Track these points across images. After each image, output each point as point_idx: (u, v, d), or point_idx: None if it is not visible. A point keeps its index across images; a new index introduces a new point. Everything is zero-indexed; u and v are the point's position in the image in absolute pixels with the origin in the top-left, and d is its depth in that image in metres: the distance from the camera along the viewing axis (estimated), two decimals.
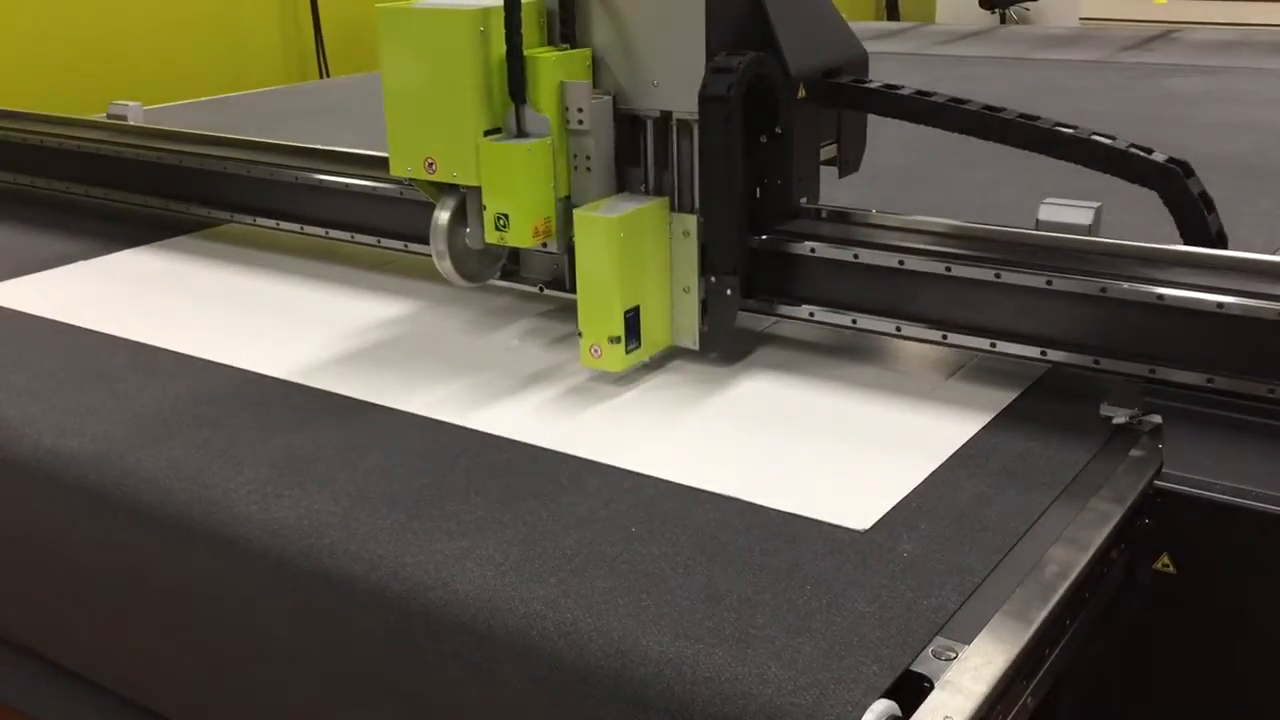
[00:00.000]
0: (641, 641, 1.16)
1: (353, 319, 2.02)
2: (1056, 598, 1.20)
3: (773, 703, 1.08)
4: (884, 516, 1.36)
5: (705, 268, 1.73)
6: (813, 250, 1.75)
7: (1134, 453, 1.48)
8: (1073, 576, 1.24)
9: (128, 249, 2.43)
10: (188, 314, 2.08)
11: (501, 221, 1.71)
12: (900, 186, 2.56)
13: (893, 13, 8.44)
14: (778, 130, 1.72)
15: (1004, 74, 4.18)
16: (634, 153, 1.78)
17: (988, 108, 1.70)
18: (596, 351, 1.71)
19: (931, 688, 1.08)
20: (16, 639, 1.82)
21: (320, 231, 2.27)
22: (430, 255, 1.82)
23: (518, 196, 1.70)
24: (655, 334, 1.75)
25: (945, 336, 1.69)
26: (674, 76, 1.69)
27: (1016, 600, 1.19)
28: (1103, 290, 1.57)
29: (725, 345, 1.79)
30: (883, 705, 1.05)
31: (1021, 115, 1.67)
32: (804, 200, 1.80)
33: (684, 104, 1.69)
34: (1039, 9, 8.04)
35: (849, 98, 1.78)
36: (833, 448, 1.56)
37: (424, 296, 2.10)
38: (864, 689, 1.08)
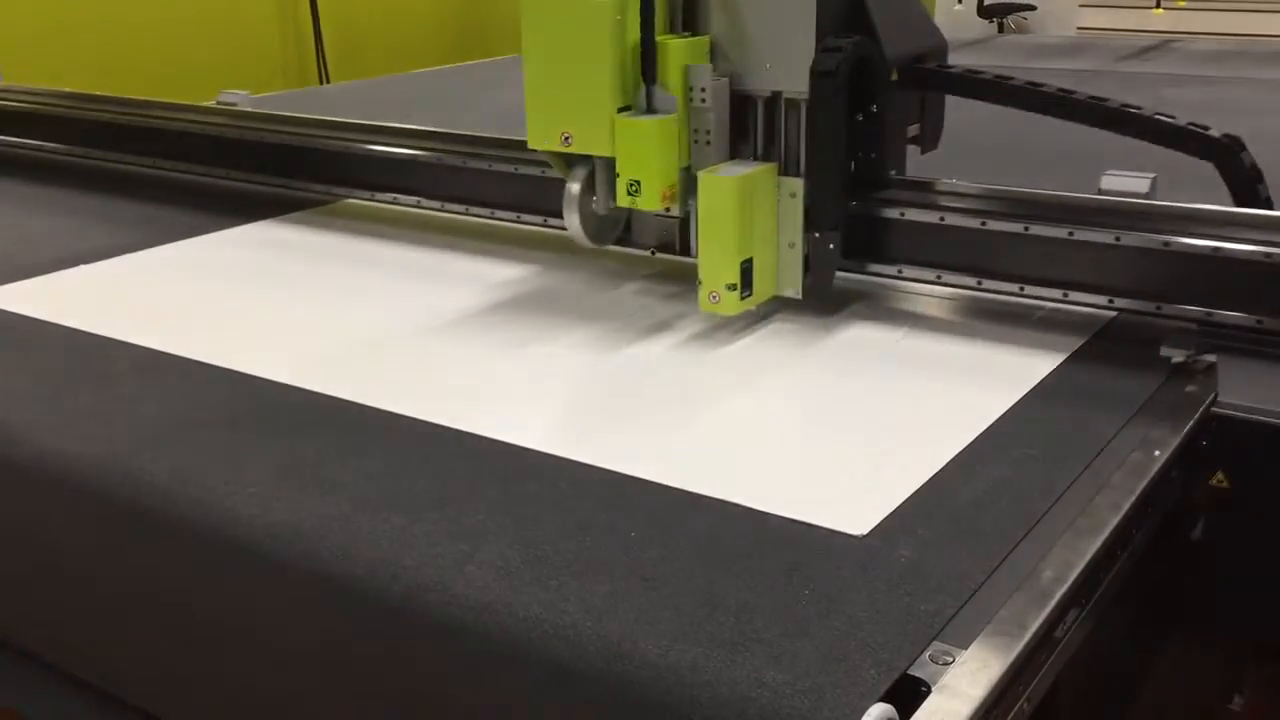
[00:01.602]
0: (640, 645, 1.17)
1: (360, 323, 2.08)
2: (1054, 603, 1.22)
3: (770, 706, 1.09)
4: (882, 521, 1.38)
5: (809, 225, 1.96)
6: (902, 214, 1.99)
7: (1190, 388, 1.67)
8: (1070, 581, 1.26)
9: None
10: (191, 316, 2.14)
11: (633, 188, 1.94)
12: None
13: None
14: (873, 109, 1.96)
15: None
16: (743, 129, 2.01)
17: (1062, 90, 1.94)
18: (715, 297, 1.93)
19: (929, 692, 1.09)
20: (17, 641, 1.85)
21: (436, 204, 2.52)
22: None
23: (649, 166, 1.92)
24: (763, 285, 1.98)
25: (1022, 289, 1.93)
26: (785, 60, 1.92)
27: (1014, 605, 1.21)
28: (1165, 244, 1.82)
29: (827, 295, 2.02)
30: (880, 709, 1.06)
31: (1092, 97, 1.91)
32: (893, 173, 2.04)
33: (793, 84, 1.92)
34: (1037, 18, 8.24)
35: (936, 81, 2.01)
36: (831, 450, 1.61)
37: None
38: (861, 692, 1.09)
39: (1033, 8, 8.27)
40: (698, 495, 1.45)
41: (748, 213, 1.92)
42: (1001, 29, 8.27)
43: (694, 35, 1.98)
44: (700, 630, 1.19)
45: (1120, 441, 1.56)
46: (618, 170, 1.96)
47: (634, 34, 1.92)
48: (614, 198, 1.99)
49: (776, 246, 1.99)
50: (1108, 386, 1.73)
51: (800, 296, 2.01)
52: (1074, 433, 1.59)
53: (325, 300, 2.21)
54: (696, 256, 1.97)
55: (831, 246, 1.95)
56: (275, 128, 2.73)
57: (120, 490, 1.53)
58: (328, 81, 6.44)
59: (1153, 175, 1.93)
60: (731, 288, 1.92)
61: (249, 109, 2.89)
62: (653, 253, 2.18)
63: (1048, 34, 7.74)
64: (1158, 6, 7.25)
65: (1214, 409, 1.64)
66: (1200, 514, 1.67)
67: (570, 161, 2.04)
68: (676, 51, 1.93)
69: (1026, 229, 1.90)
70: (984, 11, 8.31)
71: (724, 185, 1.90)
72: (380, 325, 2.06)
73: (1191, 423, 1.59)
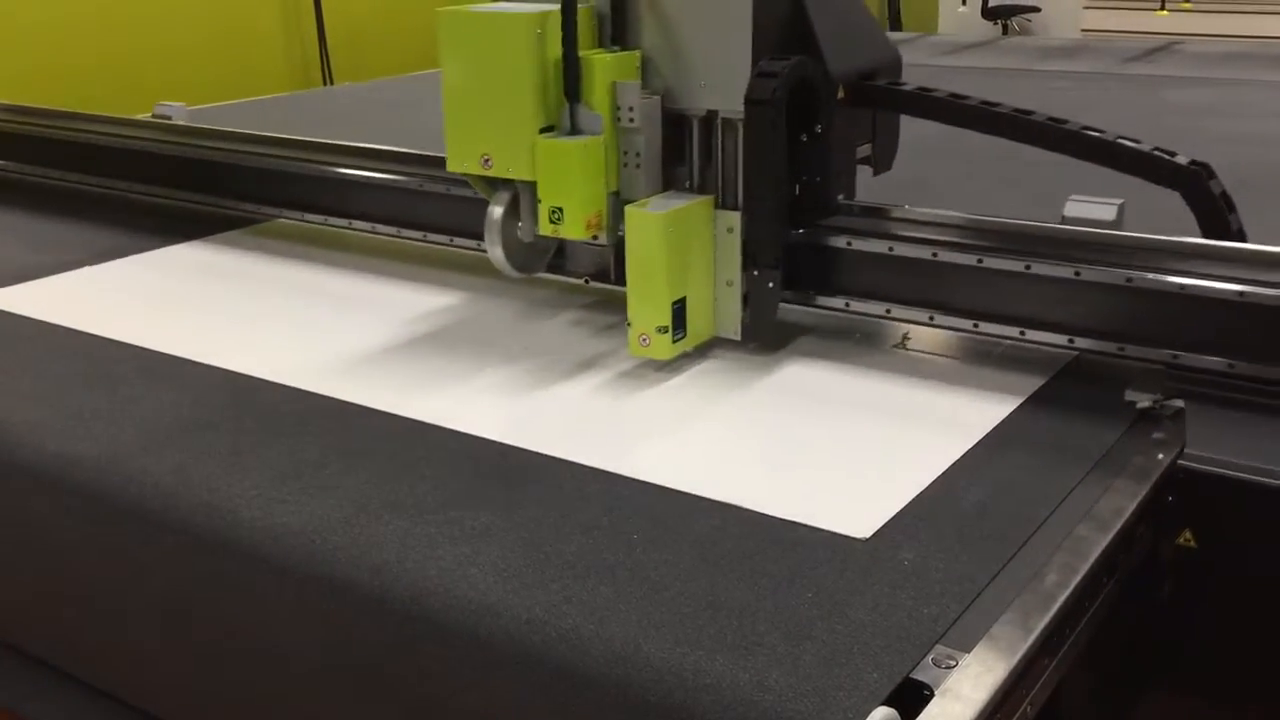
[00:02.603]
0: (643, 648, 1.17)
1: (367, 323, 2.04)
2: (1057, 606, 1.22)
3: (774, 709, 1.09)
4: (885, 524, 1.38)
5: (748, 262, 1.82)
6: (849, 244, 1.84)
7: (1156, 435, 1.54)
8: (1073, 585, 1.25)
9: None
10: (197, 317, 2.12)
11: (556, 215, 1.80)
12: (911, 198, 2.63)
13: (895, 23, 8.55)
14: (817, 129, 1.81)
15: (1006, 85, 4.22)
16: (679, 150, 1.86)
17: (1019, 111, 1.78)
18: (645, 340, 1.79)
19: (931, 695, 1.09)
20: (18, 643, 1.83)
21: (367, 226, 2.38)
22: (450, 249, 1.97)
23: (572, 191, 1.78)
24: (699, 325, 1.83)
25: (976, 325, 1.78)
26: (721, 77, 1.77)
27: (1017, 609, 1.21)
28: (1129, 280, 1.66)
29: (767, 335, 1.87)
30: (883, 713, 1.06)
31: (1050, 119, 1.76)
32: (841, 197, 1.89)
33: (730, 103, 1.77)
34: (1041, 20, 8.14)
35: (885, 99, 1.87)
36: (835, 453, 1.59)
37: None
38: (864, 696, 1.09)
39: (1037, 9, 8.18)
40: (700, 498, 1.44)
41: (680, 250, 1.77)
42: (1006, 31, 8.18)
43: (623, 50, 1.83)
44: (703, 633, 1.18)
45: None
46: (539, 195, 1.81)
47: (556, 48, 1.77)
48: (540, 224, 1.85)
49: (713, 284, 1.84)
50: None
51: (739, 338, 1.86)
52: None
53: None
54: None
55: (771, 285, 1.81)
56: (199, 142, 2.60)
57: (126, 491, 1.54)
58: (332, 83, 6.38)
59: (1120, 201, 1.77)
60: (663, 330, 1.77)
61: (182, 122, 2.75)
62: (586, 281, 2.03)
63: (1052, 35, 7.63)
64: (1162, 8, 7.14)
65: (1181, 461, 1.50)
66: (1166, 576, 1.53)
67: (494, 184, 1.89)
68: (602, 67, 1.79)
69: (980, 261, 1.75)
70: (988, 13, 8.23)
71: (652, 222, 1.75)
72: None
73: (1156, 477, 1.46)
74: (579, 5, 1.77)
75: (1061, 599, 1.22)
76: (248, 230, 2.56)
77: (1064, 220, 1.78)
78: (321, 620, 1.38)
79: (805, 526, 1.37)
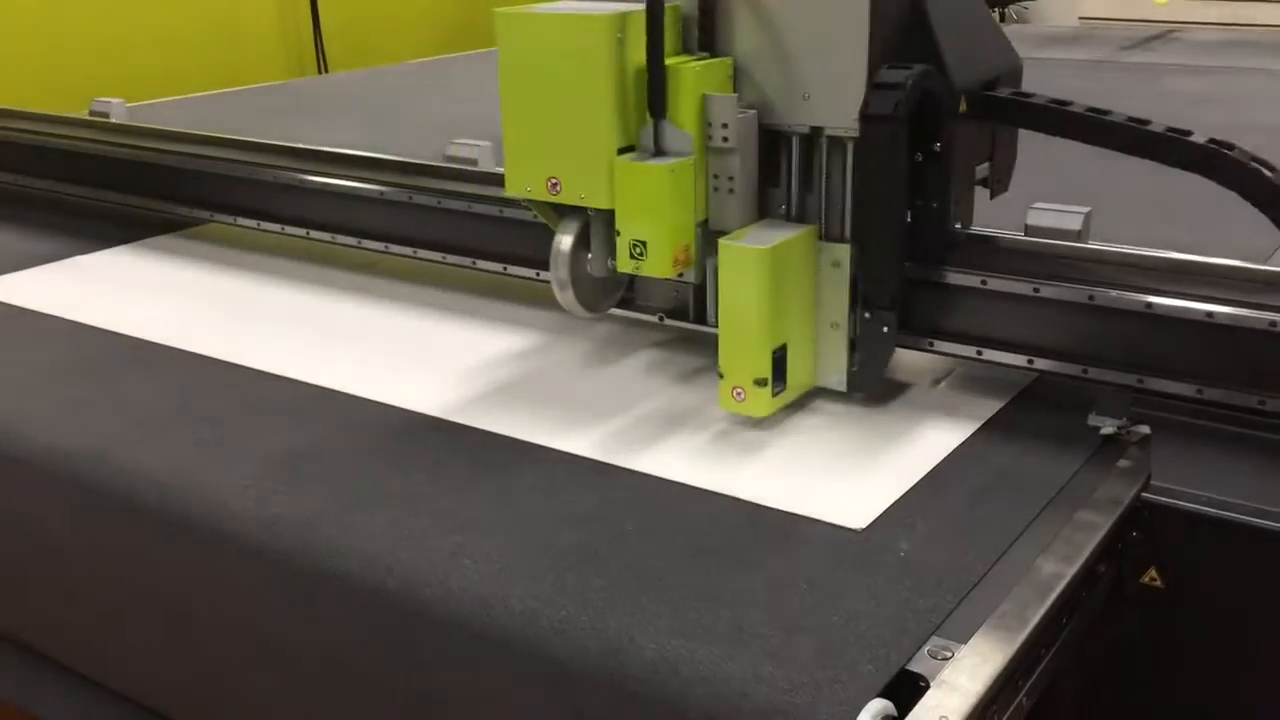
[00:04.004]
0: (637, 639, 1.15)
1: (346, 316, 2.03)
2: (1053, 598, 1.20)
3: (768, 701, 1.07)
4: (880, 516, 1.35)
5: (857, 302, 1.57)
6: (984, 282, 1.59)
7: (1122, 463, 1.44)
8: (1069, 577, 1.23)
9: (107, 248, 2.38)
10: (178, 311, 2.04)
11: (638, 249, 1.54)
12: None
13: None
14: (936, 148, 1.55)
15: None
16: (773, 172, 1.61)
17: (1171, 130, 1.53)
18: (739, 395, 1.54)
19: (927, 687, 1.08)
20: (12, 635, 1.79)
21: (301, 232, 2.23)
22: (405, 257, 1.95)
23: (659, 222, 1.52)
24: (799, 375, 1.59)
25: (932, 344, 1.62)
26: (830, 88, 1.53)
27: (1013, 601, 1.19)
28: (1091, 298, 1.53)
29: (876, 386, 1.63)
30: (878, 704, 1.05)
31: (1213, 141, 1.51)
32: (959, 225, 1.64)
33: (841, 119, 1.53)
34: (1038, 8, 7.93)
35: (1014, 113, 1.61)
36: (829, 449, 1.53)
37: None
38: (859, 688, 1.08)
39: None
40: (695, 488, 1.42)
41: (780, 290, 1.53)
42: (1003, 19, 7.96)
43: (714, 57, 1.57)
44: (697, 625, 1.17)
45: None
46: (618, 227, 1.55)
47: (638, 56, 1.51)
48: (614, 257, 1.59)
49: (815, 327, 1.59)
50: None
51: (845, 389, 1.61)
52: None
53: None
54: (717, 331, 1.57)
55: (885, 329, 1.56)
56: (130, 141, 2.46)
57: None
58: (326, 71, 6.21)
59: (1086, 210, 1.61)
60: (761, 383, 1.53)
61: (120, 120, 2.60)
62: (661, 319, 1.78)
63: (1050, 24, 7.46)
64: None
65: (1145, 494, 1.39)
66: (1130, 620, 1.40)
67: (560, 211, 1.63)
68: (692, 77, 1.53)
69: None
70: (986, 1, 8.01)
71: (753, 259, 1.50)
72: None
73: (1120, 511, 1.36)
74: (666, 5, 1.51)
75: (1058, 589, 1.21)
76: (178, 235, 2.44)
77: (1027, 230, 1.62)
78: (314, 611, 1.36)
79: (801, 517, 1.36)
